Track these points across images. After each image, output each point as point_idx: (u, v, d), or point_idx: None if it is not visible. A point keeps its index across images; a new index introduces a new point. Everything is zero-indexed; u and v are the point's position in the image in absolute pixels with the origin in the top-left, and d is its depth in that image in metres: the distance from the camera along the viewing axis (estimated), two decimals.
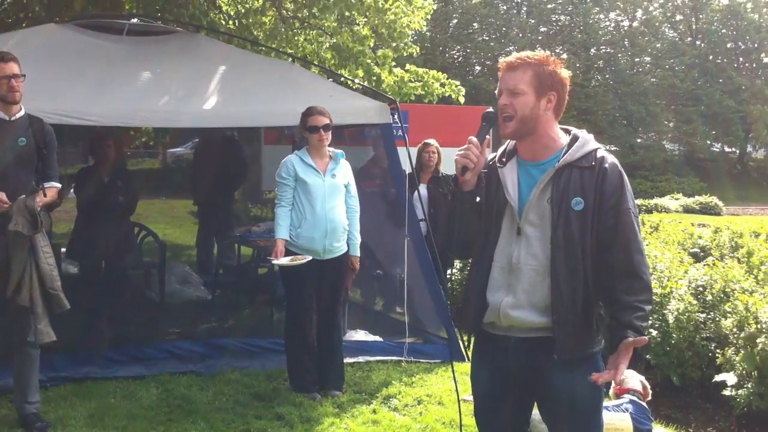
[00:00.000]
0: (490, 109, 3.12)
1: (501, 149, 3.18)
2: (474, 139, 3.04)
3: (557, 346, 2.96)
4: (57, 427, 5.17)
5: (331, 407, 5.76)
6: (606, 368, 2.91)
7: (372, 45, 11.99)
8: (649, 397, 5.56)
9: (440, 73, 12.21)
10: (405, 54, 12.26)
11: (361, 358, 6.85)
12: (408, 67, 11.98)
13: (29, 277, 4.90)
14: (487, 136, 3.13)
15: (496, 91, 3.08)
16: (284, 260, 5.80)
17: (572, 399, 3.01)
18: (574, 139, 3.06)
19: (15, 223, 4.82)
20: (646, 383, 5.58)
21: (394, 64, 11.97)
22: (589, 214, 2.95)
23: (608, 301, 2.97)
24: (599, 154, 3.02)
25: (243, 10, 11.48)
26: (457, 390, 4.13)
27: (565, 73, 3.07)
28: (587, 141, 3.05)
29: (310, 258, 5.81)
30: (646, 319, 2.91)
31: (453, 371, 4.27)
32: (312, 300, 6.06)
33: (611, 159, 3.03)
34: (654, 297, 6.39)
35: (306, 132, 5.97)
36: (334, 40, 11.60)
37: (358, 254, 6.23)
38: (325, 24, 11.47)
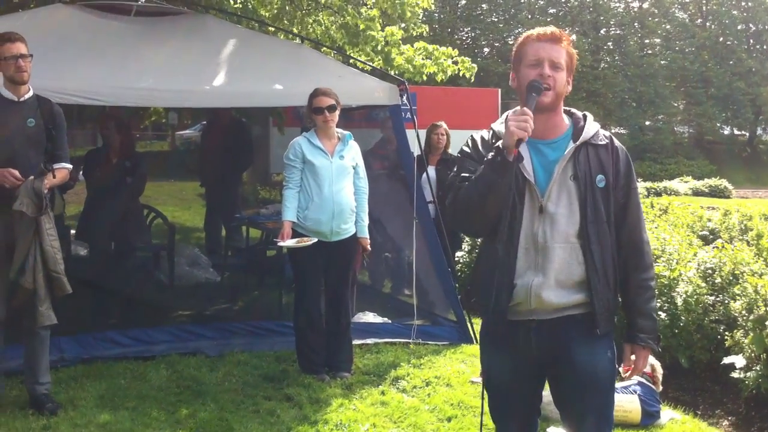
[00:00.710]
0: (536, 80, 2.99)
1: (499, 128, 3.11)
2: (527, 110, 2.91)
3: (597, 321, 2.99)
4: (67, 407, 5.21)
5: (339, 389, 5.78)
6: (624, 362, 3.13)
7: (380, 26, 11.92)
8: (660, 387, 5.57)
9: (451, 49, 12.10)
10: (415, 34, 12.19)
11: (369, 340, 6.86)
12: (417, 45, 11.89)
13: (33, 258, 4.91)
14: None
15: (532, 58, 2.97)
16: (290, 242, 5.80)
17: (594, 374, 3.03)
18: (578, 119, 3.08)
19: (20, 203, 4.82)
20: (658, 366, 5.59)
21: (401, 42, 11.89)
22: (609, 190, 3.01)
23: (619, 277, 3.06)
24: (605, 133, 3.11)
25: None
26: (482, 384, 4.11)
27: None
28: (592, 121, 3.10)
29: (315, 240, 5.81)
30: (654, 299, 3.11)
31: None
32: (320, 282, 6.07)
33: (614, 139, 3.14)
34: (663, 280, 6.46)
35: (312, 113, 5.96)
36: (343, 19, 11.54)
37: (367, 236, 6.22)
38: (334, 4, 11.40)
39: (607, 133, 3.11)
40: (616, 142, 3.09)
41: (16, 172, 4.86)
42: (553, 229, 2.98)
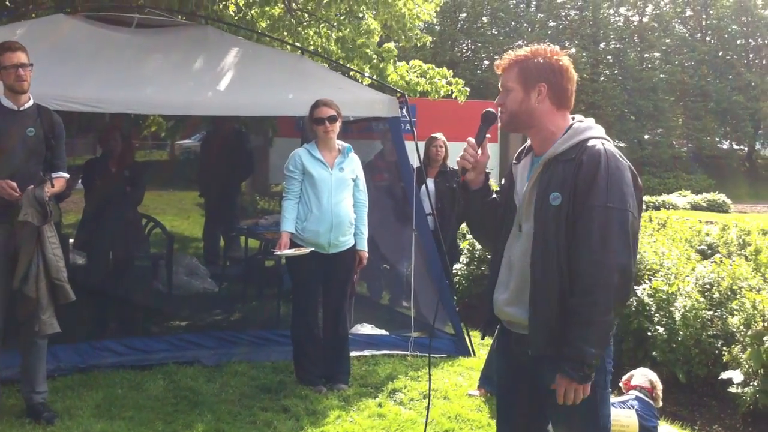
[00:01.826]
0: (489, 109, 3.16)
1: (523, 146, 3.21)
2: (471, 140, 3.10)
3: (531, 341, 2.97)
4: (64, 417, 5.19)
5: (336, 400, 5.77)
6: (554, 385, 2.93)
7: (379, 39, 11.94)
8: (660, 402, 5.55)
9: (447, 70, 12.13)
10: (418, 44, 12.21)
11: (367, 352, 6.86)
12: (412, 63, 11.92)
13: (36, 267, 4.92)
14: (488, 135, 3.16)
15: None
16: (287, 251, 5.82)
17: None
18: (567, 130, 3.02)
19: (24, 214, 4.83)
20: (657, 381, 5.58)
21: (397, 57, 11.91)
22: (565, 208, 2.89)
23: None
24: (589, 143, 2.92)
25: (251, 1, 11.42)
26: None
27: (564, 61, 3.04)
28: (580, 131, 2.98)
29: (312, 249, 5.82)
30: (584, 326, 2.83)
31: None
32: (318, 293, 6.07)
33: (597, 148, 2.89)
34: (661, 294, 6.45)
35: (313, 124, 5.98)
36: (340, 34, 11.57)
37: (366, 248, 6.22)
38: (331, 17, 11.43)
39: (594, 143, 2.92)
40: (587, 154, 2.88)
41: (14, 184, 4.87)
42: (521, 248, 3.03)
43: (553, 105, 3.02)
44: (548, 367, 2.96)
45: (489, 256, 3.42)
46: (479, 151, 3.12)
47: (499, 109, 3.09)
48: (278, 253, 5.89)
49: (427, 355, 6.85)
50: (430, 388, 5.13)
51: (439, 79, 11.66)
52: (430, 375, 5.37)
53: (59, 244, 5.12)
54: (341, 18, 11.49)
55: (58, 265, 5.02)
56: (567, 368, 2.86)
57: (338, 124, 5.97)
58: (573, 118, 3.10)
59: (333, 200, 5.91)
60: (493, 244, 3.24)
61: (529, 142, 3.17)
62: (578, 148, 2.92)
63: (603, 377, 3.02)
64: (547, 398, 3.08)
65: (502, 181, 3.28)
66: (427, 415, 4.30)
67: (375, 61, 11.37)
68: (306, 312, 6.05)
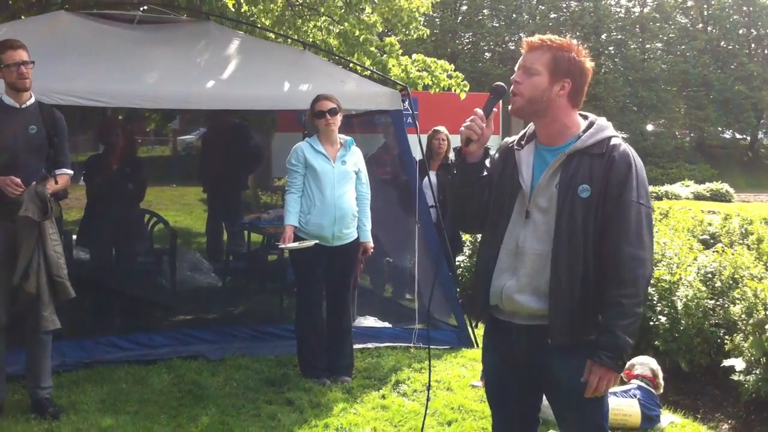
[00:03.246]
0: (500, 83, 3.13)
1: (522, 132, 3.19)
2: (479, 111, 3.06)
3: (551, 331, 2.96)
4: (69, 412, 5.22)
5: (340, 393, 5.79)
6: (584, 377, 2.93)
7: (380, 31, 11.93)
8: (661, 389, 5.58)
9: (448, 63, 12.12)
10: (416, 36, 12.20)
11: (370, 344, 6.88)
12: (415, 56, 11.92)
13: (37, 263, 4.93)
14: (495, 110, 3.13)
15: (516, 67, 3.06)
16: (291, 245, 5.84)
17: (570, 386, 2.99)
18: (590, 125, 3.04)
19: (25, 209, 4.84)
20: (658, 369, 5.60)
21: (401, 52, 11.90)
22: (594, 202, 2.93)
23: (602, 293, 2.95)
24: (613, 141, 2.99)
25: None
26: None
27: (588, 64, 3.03)
28: (603, 128, 3.03)
29: (315, 241, 5.84)
30: (625, 316, 2.88)
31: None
32: (321, 286, 6.10)
33: (624, 148, 2.99)
34: (663, 284, 6.47)
35: (314, 118, 6.00)
36: (342, 27, 11.55)
37: (370, 240, 6.25)
38: (332, 11, 11.42)
39: (617, 142, 3.00)
40: (618, 151, 2.96)
41: (18, 180, 4.88)
42: (533, 236, 3.01)
43: (569, 102, 3.02)
44: (562, 357, 2.98)
45: (480, 241, 3.31)
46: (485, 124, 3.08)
47: (513, 88, 3.02)
48: (282, 246, 5.92)
49: (431, 347, 6.87)
50: (430, 378, 5.14)
51: (440, 72, 11.65)
52: (430, 362, 5.39)
53: (60, 242, 5.13)
54: (342, 12, 11.48)
55: (58, 262, 5.02)
56: (605, 357, 2.89)
57: (339, 117, 5.99)
58: (585, 116, 3.10)
59: (336, 193, 5.93)
60: (478, 226, 3.23)
61: (530, 128, 3.16)
62: (603, 144, 2.98)
63: None
64: (547, 389, 3.10)
65: (491, 162, 3.20)
66: (426, 406, 4.30)
67: (377, 55, 11.35)
68: (310, 305, 6.08)
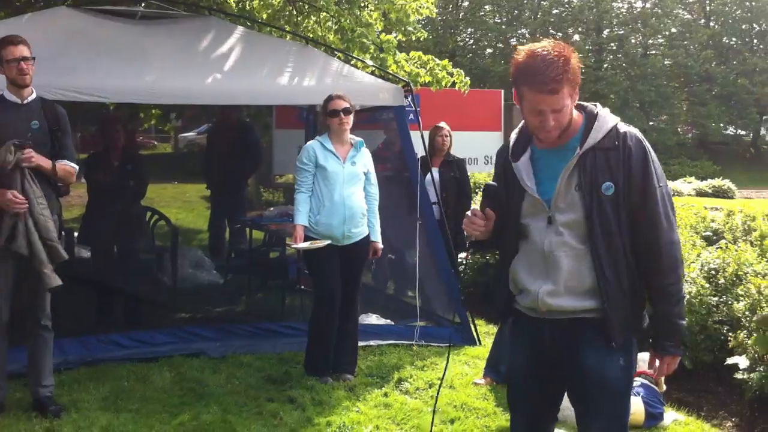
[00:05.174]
0: (492, 183, 3.13)
1: (512, 142, 3.15)
2: (477, 210, 3.09)
3: (612, 332, 2.96)
4: (71, 410, 5.21)
5: (342, 390, 5.78)
6: (649, 367, 3.12)
7: (379, 29, 11.88)
8: (664, 387, 5.56)
9: (447, 61, 12.07)
10: (414, 39, 12.15)
11: (372, 342, 6.86)
12: (412, 54, 11.88)
13: (24, 225, 4.84)
14: (488, 209, 3.12)
15: (533, 107, 2.90)
16: (303, 245, 5.83)
17: (602, 380, 3.00)
18: (591, 118, 3.00)
19: None
20: None
21: (398, 49, 11.85)
22: (620, 196, 2.92)
23: (645, 283, 3.01)
24: (621, 129, 2.98)
25: None
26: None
27: (576, 58, 2.96)
28: (605, 119, 3.00)
29: (328, 242, 5.83)
30: (677, 303, 2.99)
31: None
32: (338, 284, 6.05)
33: (632, 134, 2.99)
34: None
35: (327, 117, 5.98)
36: (339, 23, 11.51)
37: (380, 240, 6.24)
38: (329, 7, 11.38)
39: (624, 128, 2.99)
40: (631, 140, 2.96)
41: (21, 197, 4.83)
42: (560, 239, 2.98)
43: (573, 101, 2.99)
44: (594, 350, 3.00)
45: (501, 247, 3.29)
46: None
47: (545, 134, 2.94)
48: (295, 246, 5.91)
49: (433, 345, 6.86)
50: (444, 375, 5.12)
51: (440, 71, 11.61)
52: (448, 360, 5.37)
53: (48, 207, 5.01)
54: (337, 8, 11.44)
55: (47, 225, 4.94)
56: (667, 345, 3.02)
57: (352, 116, 5.98)
58: (584, 107, 3.06)
59: (345, 192, 5.92)
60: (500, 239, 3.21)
61: (514, 137, 3.14)
62: (613, 136, 2.96)
63: (628, 367, 3.08)
64: (575, 384, 3.11)
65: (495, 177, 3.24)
66: (435, 403, 4.29)
67: (374, 51, 11.31)
68: (328, 304, 6.01)
